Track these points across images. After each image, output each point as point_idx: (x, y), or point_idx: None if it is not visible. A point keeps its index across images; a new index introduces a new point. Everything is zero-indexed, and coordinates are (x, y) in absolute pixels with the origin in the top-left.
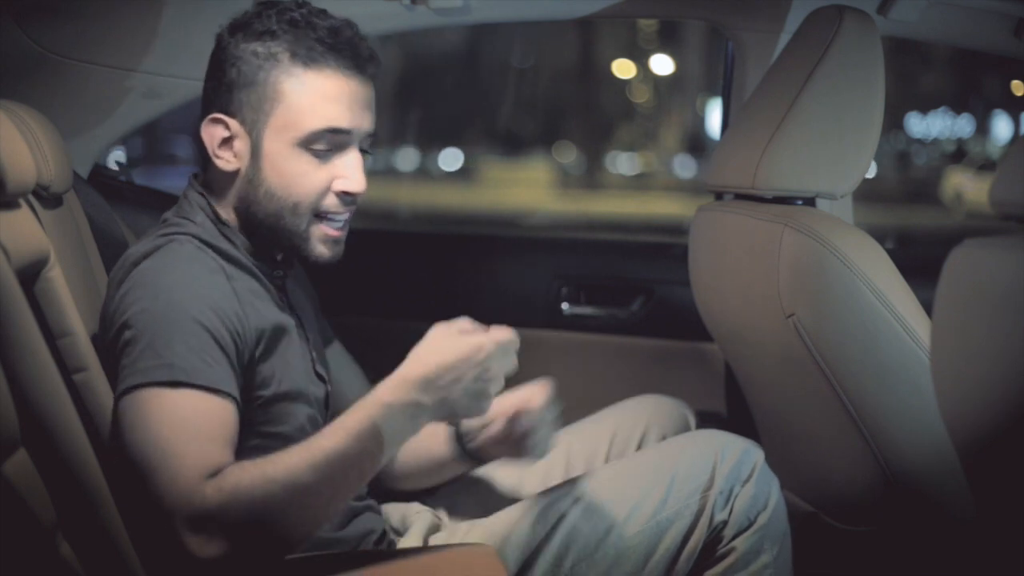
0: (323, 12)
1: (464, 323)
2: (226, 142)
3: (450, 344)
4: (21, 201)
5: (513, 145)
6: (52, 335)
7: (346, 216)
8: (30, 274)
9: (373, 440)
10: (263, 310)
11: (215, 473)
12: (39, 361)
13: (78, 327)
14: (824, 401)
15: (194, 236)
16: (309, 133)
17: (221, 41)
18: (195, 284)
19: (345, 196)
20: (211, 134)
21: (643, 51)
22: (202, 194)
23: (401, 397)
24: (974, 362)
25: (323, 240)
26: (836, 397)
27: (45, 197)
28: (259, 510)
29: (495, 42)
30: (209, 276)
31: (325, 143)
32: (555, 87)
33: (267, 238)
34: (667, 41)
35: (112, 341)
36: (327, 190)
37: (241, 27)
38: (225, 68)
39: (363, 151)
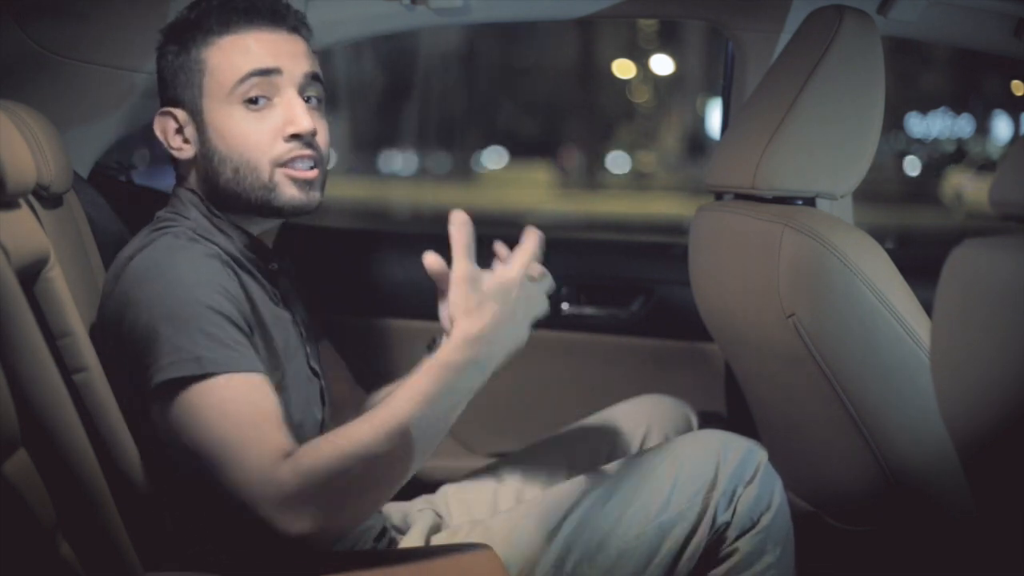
0: None
1: (475, 270)
2: (178, 132)
3: (492, 293)
4: (21, 201)
5: (513, 145)
6: (52, 335)
7: (309, 157)
8: (30, 274)
9: (446, 400)
10: (260, 302)
11: (288, 454)
12: (39, 361)
13: (78, 327)
14: (824, 401)
15: (189, 229)
16: (236, 81)
17: (159, 47)
18: (200, 270)
19: (296, 139)
20: (163, 128)
21: (643, 51)
22: (193, 191)
23: (466, 355)
24: (974, 362)
25: (291, 183)
26: (836, 397)
27: (45, 197)
28: (339, 484)
29: (495, 42)
30: (210, 261)
31: (256, 89)
32: (555, 87)
33: (237, 206)
34: (667, 41)
35: (122, 338)
36: (275, 139)
37: (167, 28)
38: (161, 67)
39: (311, 100)
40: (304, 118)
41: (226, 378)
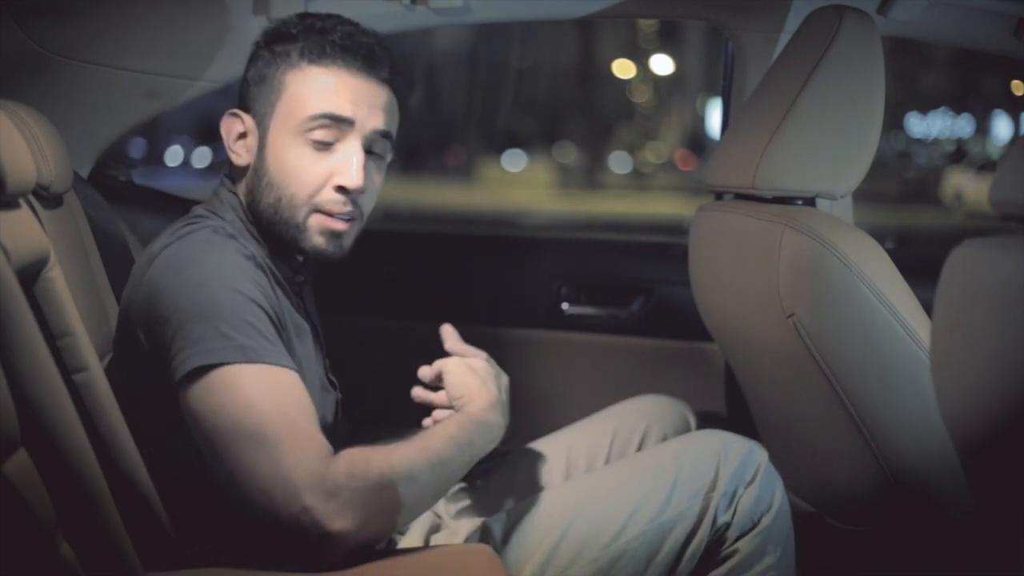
0: (351, 24)
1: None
2: (241, 137)
3: (483, 370)
4: (21, 201)
5: (513, 145)
6: (52, 335)
7: (348, 213)
8: (30, 274)
9: (467, 452)
10: (286, 311)
11: (329, 452)
12: (39, 361)
13: (78, 327)
14: (824, 401)
15: (222, 225)
16: (307, 118)
17: (254, 47)
18: (237, 264)
19: (342, 191)
20: (228, 128)
21: (643, 51)
22: (234, 193)
23: (491, 417)
24: (974, 362)
25: (321, 231)
26: (836, 397)
27: (45, 197)
28: (384, 495)
29: (495, 42)
30: (245, 260)
31: (324, 132)
32: (555, 87)
33: (269, 230)
34: (667, 41)
35: (151, 324)
36: (324, 184)
37: (269, 32)
38: (248, 69)
39: (375, 154)
40: (357, 175)
41: (268, 369)
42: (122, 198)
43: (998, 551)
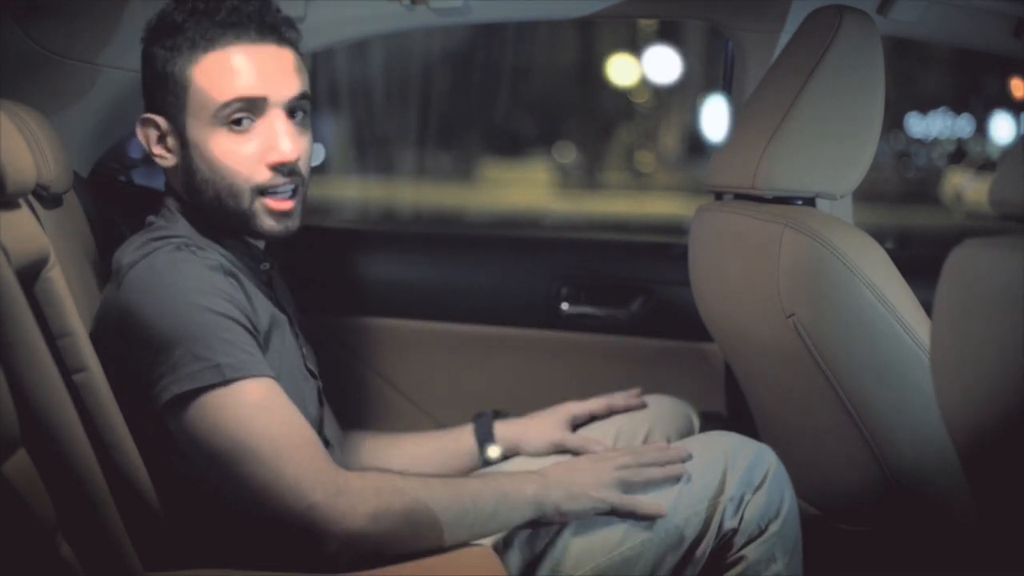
0: None
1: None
2: (160, 140)
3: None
4: (21, 201)
5: (513, 145)
6: (52, 335)
7: (290, 187)
8: (30, 274)
9: (504, 513)
10: (259, 305)
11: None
12: (39, 361)
13: (78, 327)
14: (824, 401)
15: (185, 240)
16: (218, 107)
17: (143, 45)
18: (205, 280)
19: (279, 167)
20: (145, 135)
21: (643, 51)
22: (179, 200)
23: (543, 491)
24: (974, 362)
25: (269, 214)
26: (836, 397)
27: (45, 197)
28: (396, 502)
29: (495, 42)
30: (213, 273)
31: (240, 114)
32: (555, 87)
33: (219, 225)
34: (667, 41)
35: (127, 348)
36: (258, 164)
37: (151, 27)
38: (144, 70)
39: (298, 113)
40: (286, 146)
41: (250, 383)
42: (122, 198)
43: (999, 551)
